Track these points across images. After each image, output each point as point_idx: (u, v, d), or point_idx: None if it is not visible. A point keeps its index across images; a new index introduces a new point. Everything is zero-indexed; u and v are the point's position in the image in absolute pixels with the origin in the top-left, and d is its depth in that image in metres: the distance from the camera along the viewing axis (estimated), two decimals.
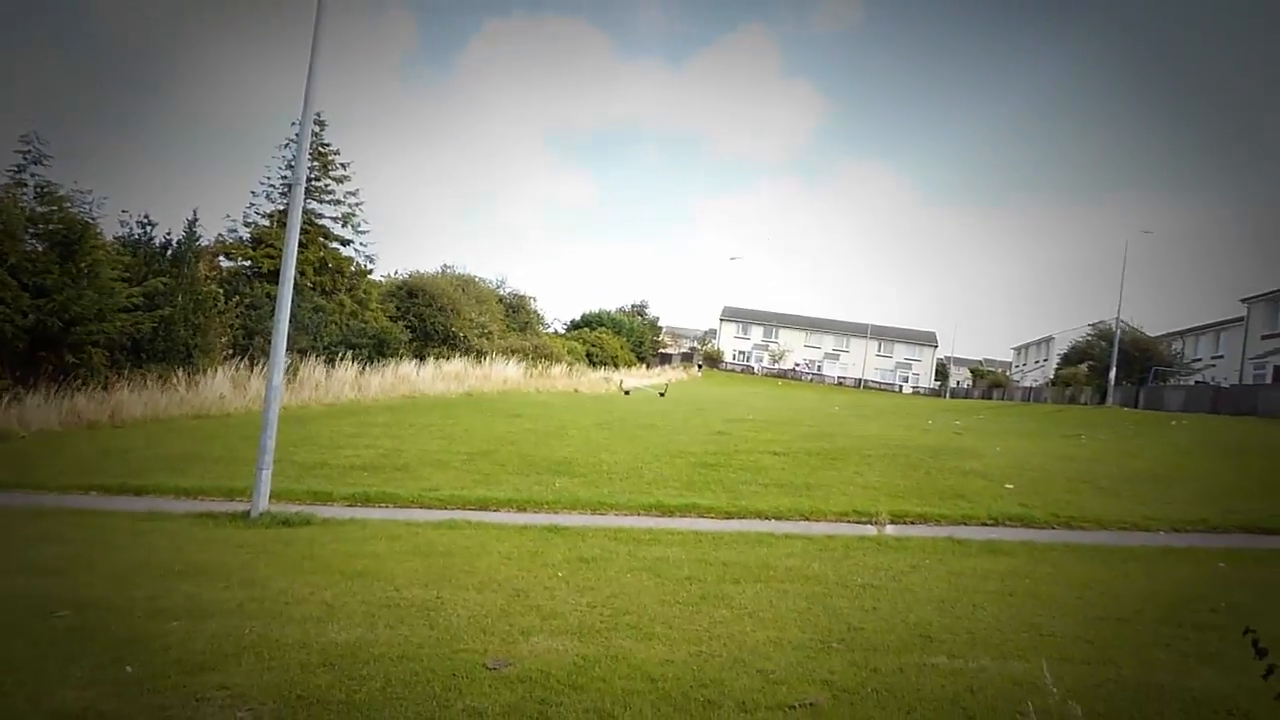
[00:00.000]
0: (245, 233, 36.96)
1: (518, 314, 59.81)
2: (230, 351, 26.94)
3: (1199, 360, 55.60)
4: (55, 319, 20.20)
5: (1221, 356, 52.66)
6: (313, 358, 29.07)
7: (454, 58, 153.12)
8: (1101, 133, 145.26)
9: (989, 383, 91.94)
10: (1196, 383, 49.88)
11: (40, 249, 21.86)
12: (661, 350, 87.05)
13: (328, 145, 38.91)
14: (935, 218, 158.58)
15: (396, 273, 48.76)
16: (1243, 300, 49.62)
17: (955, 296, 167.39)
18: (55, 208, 22.21)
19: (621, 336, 71.21)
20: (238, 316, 28.57)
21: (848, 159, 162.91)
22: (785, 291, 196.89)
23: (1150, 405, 41.92)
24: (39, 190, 22.44)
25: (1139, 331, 53.90)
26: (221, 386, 23.52)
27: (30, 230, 22.00)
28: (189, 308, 24.72)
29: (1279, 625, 6.55)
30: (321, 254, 37.49)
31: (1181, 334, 59.34)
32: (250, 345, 28.13)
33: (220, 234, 36.42)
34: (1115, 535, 11.95)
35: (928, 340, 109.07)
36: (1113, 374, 44.66)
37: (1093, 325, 58.62)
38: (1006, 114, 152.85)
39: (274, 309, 12.04)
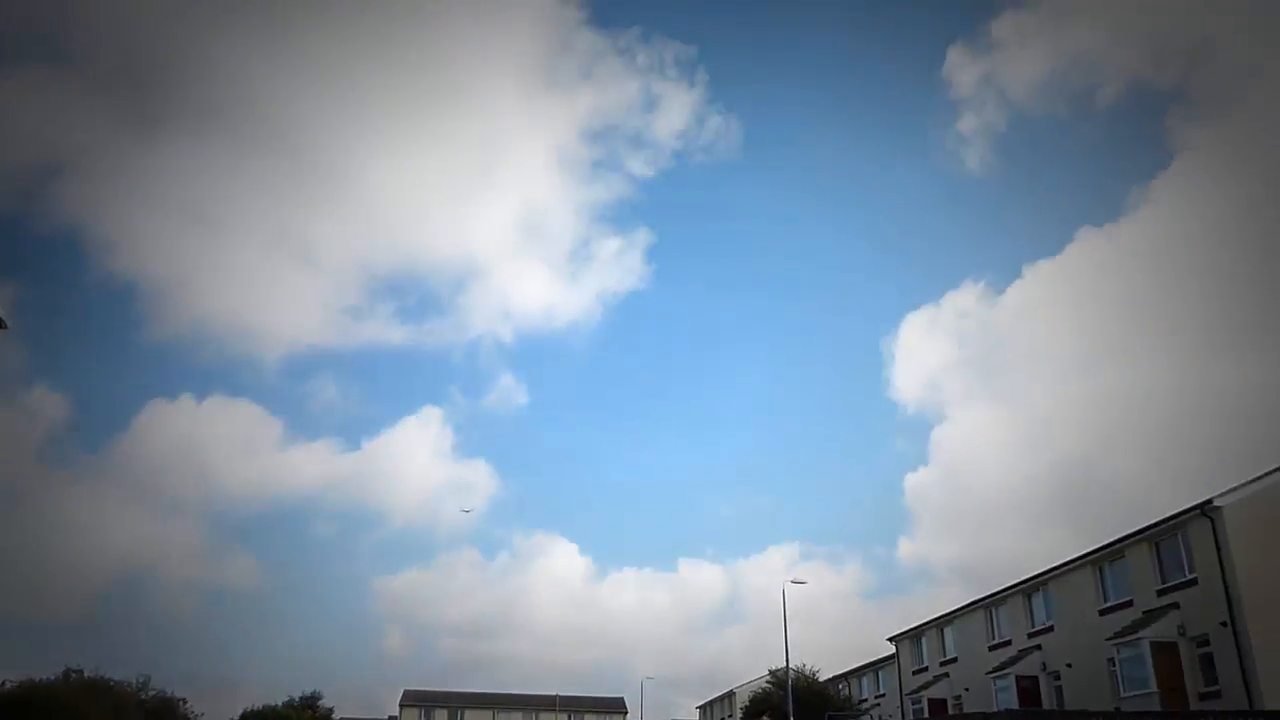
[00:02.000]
0: None
1: None
2: None
3: (864, 700, 59.22)
4: None
5: (884, 694, 56.54)
6: None
7: (114, 438, 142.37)
8: (754, 499, 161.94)
9: None
10: None
11: None
12: None
13: None
14: (612, 584, 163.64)
15: (4, 684, 40.74)
16: (889, 639, 54.59)
17: (641, 657, 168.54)
18: None
19: None
20: None
21: (523, 531, 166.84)
22: (472, 667, 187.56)
23: None
24: None
25: (812, 677, 56.76)
26: None
27: None
28: None
29: None
30: None
31: (848, 675, 63.34)
32: None
33: None
34: None
35: (617, 707, 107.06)
36: None
37: (771, 673, 61.03)
38: (664, 476, 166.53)
39: None
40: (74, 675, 44.67)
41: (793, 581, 49.63)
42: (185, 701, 57.67)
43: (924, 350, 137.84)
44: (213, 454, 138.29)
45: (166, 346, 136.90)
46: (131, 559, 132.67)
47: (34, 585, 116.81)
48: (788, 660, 49.66)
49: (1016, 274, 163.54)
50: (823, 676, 59.17)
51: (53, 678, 43.50)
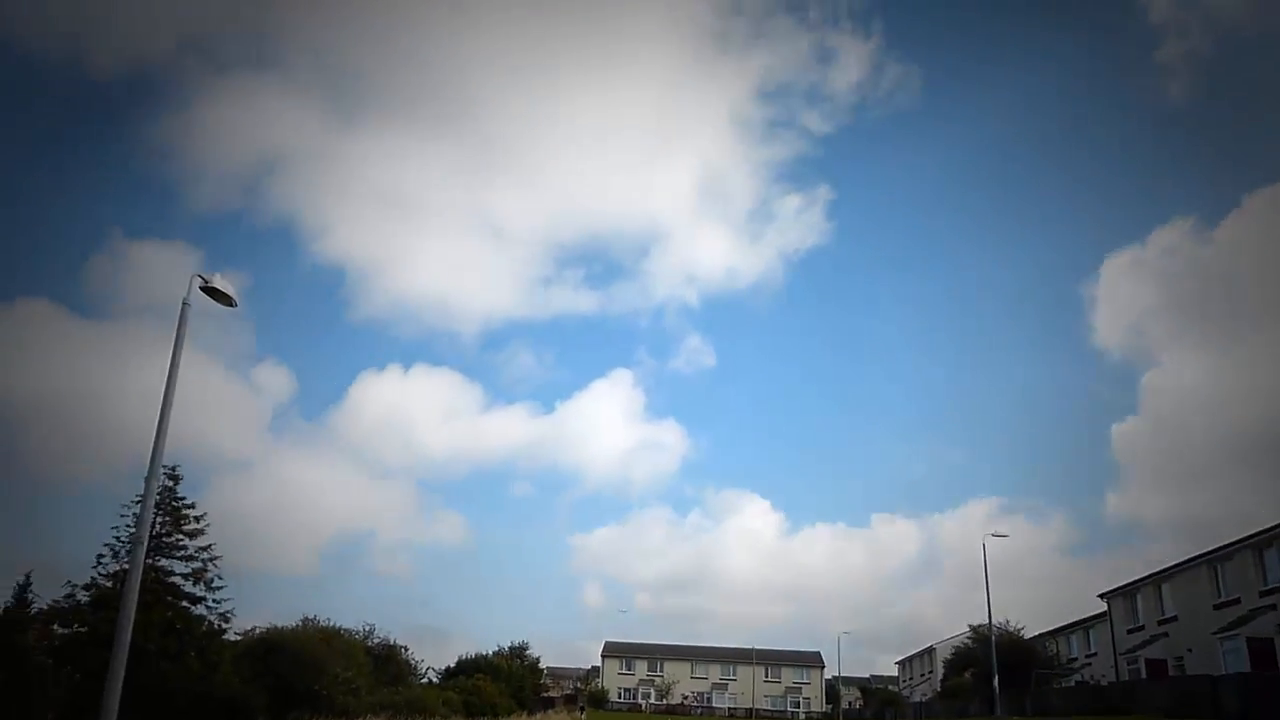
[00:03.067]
0: (85, 596, 34.17)
1: (387, 665, 55.94)
2: None
3: (1075, 659, 56.41)
4: None
5: (1095, 654, 53.64)
6: None
7: (329, 410, 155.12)
8: (946, 452, 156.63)
9: (880, 700, 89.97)
10: (1077, 683, 50.21)
11: None
12: (544, 694, 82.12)
13: (181, 499, 37.51)
14: (805, 540, 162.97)
15: (254, 630, 45.49)
16: (1100, 596, 51.63)
17: (835, 612, 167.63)
18: None
19: (500, 682, 67.11)
20: (67, 691, 25.65)
21: (714, 489, 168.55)
22: (668, 621, 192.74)
23: (1037, 710, 41.64)
24: None
25: (1016, 634, 54.66)
26: None
27: None
28: (12, 683, 22.14)
29: None
30: (169, 614, 34.78)
31: (1054, 633, 60.52)
32: None
33: (56, 600, 33.55)
34: None
35: (814, 661, 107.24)
36: (996, 681, 44.64)
37: (972, 629, 59.20)
38: (856, 431, 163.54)
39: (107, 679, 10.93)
40: (310, 622, 49.30)
41: (993, 535, 47.71)
42: (406, 649, 62.69)
43: (1129, 293, 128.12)
44: (419, 420, 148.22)
45: (374, 322, 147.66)
46: (352, 520, 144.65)
47: (271, 544, 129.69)
48: (990, 616, 48.01)
49: (1233, 204, 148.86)
50: (1027, 634, 56.91)
51: (293, 624, 48.25)
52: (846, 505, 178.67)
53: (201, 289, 12.54)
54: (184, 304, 12.53)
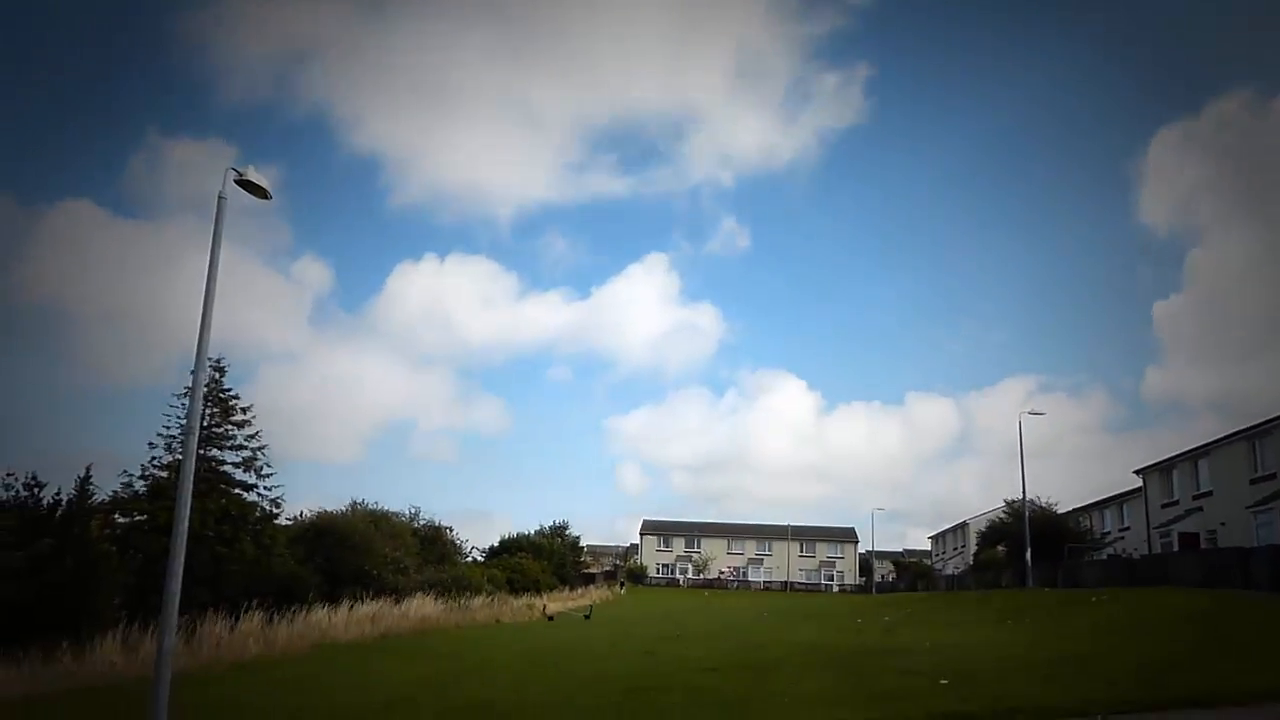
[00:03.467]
0: (142, 486, 35.59)
1: (434, 546, 57.99)
2: (123, 614, 25.13)
3: (1108, 533, 57.07)
4: None
5: (1129, 528, 54.18)
6: (212, 612, 27.38)
7: (368, 301, 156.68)
8: (983, 331, 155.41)
9: (913, 574, 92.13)
10: (1110, 556, 50.90)
11: None
12: (584, 570, 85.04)
13: (228, 390, 38.45)
14: (840, 418, 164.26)
15: (303, 514, 47.23)
16: (1136, 472, 51.77)
17: (870, 490, 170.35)
18: None
19: (542, 560, 69.50)
20: (132, 575, 26.96)
21: (749, 369, 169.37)
22: (704, 500, 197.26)
23: (1069, 583, 42.39)
24: None
25: (1050, 509, 55.23)
26: (112, 653, 21.79)
27: None
28: (79, 570, 23.29)
29: None
30: (223, 501, 36.16)
31: (1088, 509, 61.11)
32: (143, 604, 26.38)
33: (116, 490, 34.97)
34: None
35: (848, 537, 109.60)
36: (1028, 554, 45.39)
37: (1007, 504, 59.98)
38: (894, 311, 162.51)
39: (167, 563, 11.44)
40: (358, 506, 51.02)
41: (1030, 413, 47.72)
42: (451, 529, 64.83)
43: (1178, 168, 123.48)
44: (457, 309, 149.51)
45: (409, 213, 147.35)
46: (396, 408, 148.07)
47: (318, 433, 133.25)
48: (1024, 491, 48.51)
49: None
50: (1061, 510, 57.45)
51: (342, 509, 50.01)
52: (882, 384, 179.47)
53: (236, 182, 12.53)
54: (220, 198, 12.52)
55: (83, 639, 21.95)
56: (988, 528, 64.29)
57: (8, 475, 26.30)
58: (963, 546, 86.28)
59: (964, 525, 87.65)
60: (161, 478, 35.68)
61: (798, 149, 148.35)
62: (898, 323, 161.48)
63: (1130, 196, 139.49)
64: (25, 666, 19.58)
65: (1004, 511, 59.92)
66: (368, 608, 33.51)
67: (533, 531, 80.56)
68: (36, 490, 25.31)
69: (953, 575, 74.46)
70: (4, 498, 24.63)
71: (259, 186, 12.70)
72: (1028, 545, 45.15)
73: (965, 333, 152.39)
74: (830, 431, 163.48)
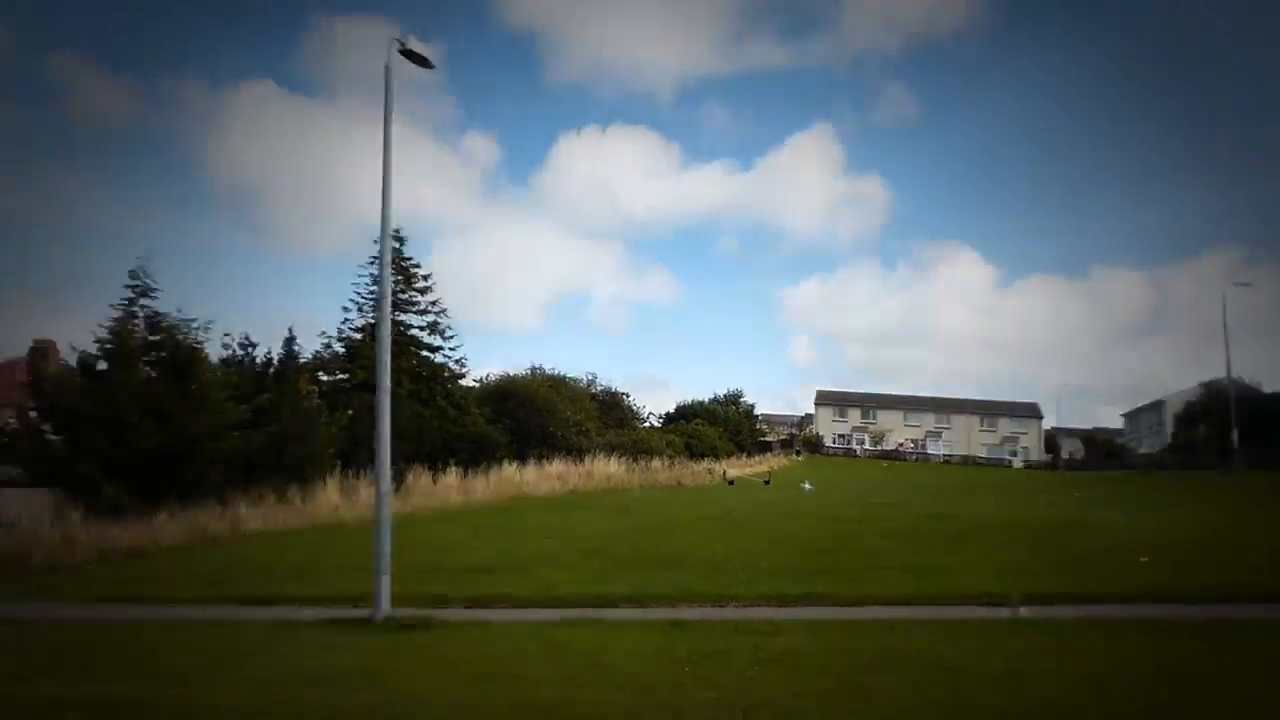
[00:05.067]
0: (340, 348, 38.54)
1: (612, 411, 60.10)
2: (337, 463, 27.68)
3: None
4: (175, 440, 21.21)
5: None
6: (416, 465, 29.67)
7: (534, 174, 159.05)
8: (1180, 195, 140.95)
9: (1103, 452, 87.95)
10: None
11: (155, 375, 23.26)
12: (760, 438, 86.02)
13: (409, 259, 40.50)
14: (1019, 292, 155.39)
15: (488, 377, 49.82)
16: None
17: (1051, 367, 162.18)
18: (165, 336, 23.69)
19: (718, 426, 70.74)
20: (341, 428, 29.45)
21: (921, 241, 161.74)
22: (878, 372, 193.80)
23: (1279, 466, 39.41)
24: (149, 320, 24.01)
25: (1256, 388, 51.13)
26: (333, 497, 24.15)
27: (145, 359, 23.53)
28: (295, 422, 25.67)
29: None
30: (414, 362, 38.66)
31: None
32: (355, 456, 28.87)
33: (317, 350, 37.95)
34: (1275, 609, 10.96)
35: (1032, 412, 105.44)
36: (1234, 434, 42.31)
37: (1204, 385, 55.90)
38: (1076, 179, 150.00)
39: (375, 419, 12.39)
40: (538, 371, 53.36)
41: (1235, 284, 43.68)
42: (628, 395, 66.88)
43: None
44: (621, 180, 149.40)
45: (570, 85, 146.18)
46: (569, 278, 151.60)
47: (496, 301, 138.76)
48: (1229, 370, 44.88)
49: None
50: (1270, 391, 52.96)
51: (524, 373, 52.45)
52: (1064, 256, 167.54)
53: (400, 52, 12.75)
54: (386, 69, 12.81)
55: (306, 483, 24.41)
56: (1185, 408, 60.37)
57: (225, 336, 29.03)
58: (1159, 425, 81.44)
59: (1160, 404, 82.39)
60: (356, 340, 38.45)
61: (966, 6, 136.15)
62: (1081, 190, 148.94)
63: None
64: (261, 506, 22.05)
65: (1203, 394, 55.87)
66: (555, 466, 35.32)
67: (708, 399, 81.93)
68: (250, 350, 27.87)
69: (1149, 455, 70.65)
70: (225, 356, 27.26)
71: (421, 56, 12.87)
72: (1233, 425, 42.07)
73: (1158, 198, 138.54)
74: (1009, 305, 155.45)
